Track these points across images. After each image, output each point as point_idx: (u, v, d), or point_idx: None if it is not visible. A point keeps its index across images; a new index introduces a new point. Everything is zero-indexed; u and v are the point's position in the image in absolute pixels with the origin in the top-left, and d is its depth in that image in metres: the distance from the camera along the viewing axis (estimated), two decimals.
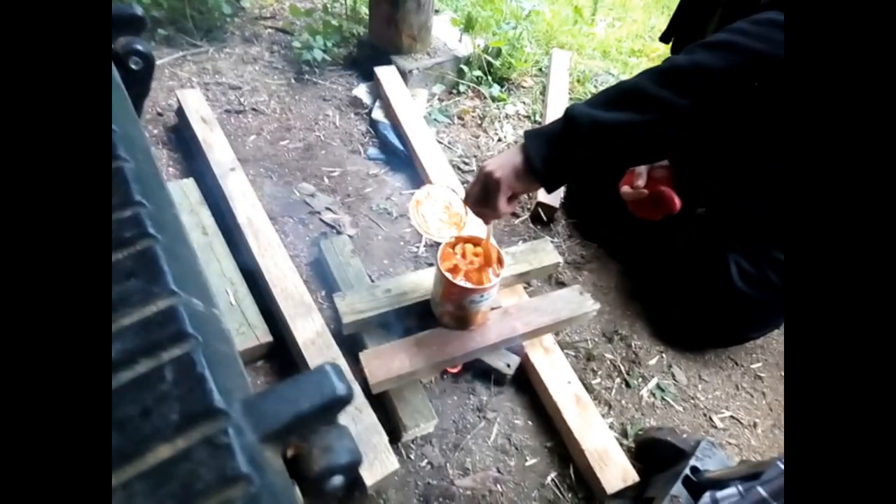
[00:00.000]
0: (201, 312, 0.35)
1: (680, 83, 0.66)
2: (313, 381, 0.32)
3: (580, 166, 0.73)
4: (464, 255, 0.91)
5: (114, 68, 0.55)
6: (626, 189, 1.04)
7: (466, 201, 0.83)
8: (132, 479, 0.27)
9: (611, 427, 0.98)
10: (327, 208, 1.26)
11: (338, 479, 0.33)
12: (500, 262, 0.90)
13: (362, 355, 0.90)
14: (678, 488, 0.77)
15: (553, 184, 0.75)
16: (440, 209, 0.94)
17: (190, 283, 0.36)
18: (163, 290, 0.34)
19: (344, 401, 0.33)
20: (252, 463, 0.28)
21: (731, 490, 0.67)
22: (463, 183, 1.35)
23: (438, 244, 0.91)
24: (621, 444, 0.94)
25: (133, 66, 0.57)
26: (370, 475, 0.78)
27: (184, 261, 0.38)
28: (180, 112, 1.29)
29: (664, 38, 1.19)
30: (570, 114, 0.71)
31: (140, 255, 0.36)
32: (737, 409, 1.08)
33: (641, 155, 0.75)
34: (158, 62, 1.52)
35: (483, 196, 0.79)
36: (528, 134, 0.75)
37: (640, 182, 1.03)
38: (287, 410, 0.31)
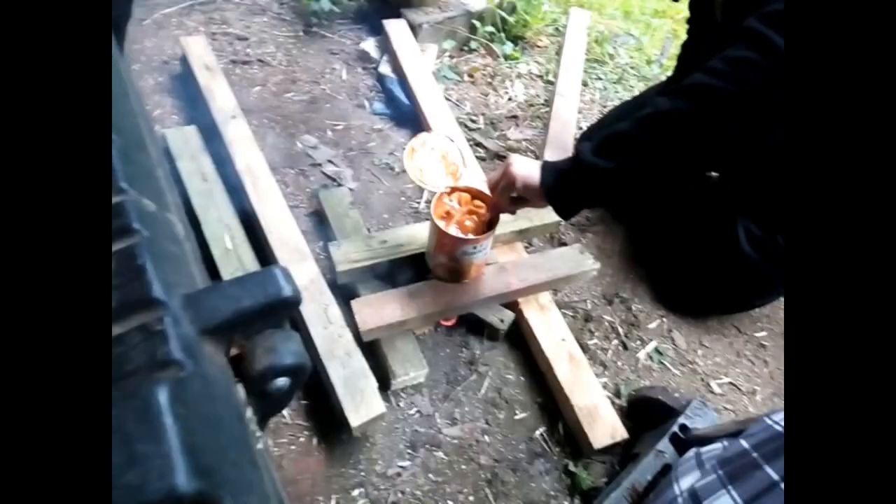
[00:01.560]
0: (151, 212, 0.34)
1: (665, 130, 0.71)
2: (258, 281, 0.32)
3: (581, 199, 0.80)
4: (459, 205, 0.90)
5: None
6: None
7: (499, 208, 0.88)
8: None
9: (604, 387, 0.97)
10: (329, 161, 1.24)
11: (282, 381, 0.32)
12: (496, 214, 0.88)
13: (354, 303, 0.90)
14: (664, 444, 0.76)
15: (566, 214, 0.82)
16: (436, 158, 0.92)
17: (143, 184, 0.36)
18: (112, 186, 0.33)
19: (289, 302, 0.32)
20: (186, 351, 0.27)
21: (716, 445, 0.66)
22: (469, 140, 1.32)
23: (434, 194, 0.89)
24: (613, 404, 0.93)
25: None
26: (356, 417, 0.79)
27: (138, 164, 0.37)
28: (184, 60, 1.28)
29: None
30: (577, 154, 0.78)
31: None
32: (736, 377, 1.06)
33: (631, 193, 0.79)
34: (165, 10, 1.51)
35: (512, 201, 0.85)
36: (544, 165, 0.81)
37: None
38: (228, 306, 0.30)
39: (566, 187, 0.79)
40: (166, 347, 0.27)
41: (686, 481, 0.60)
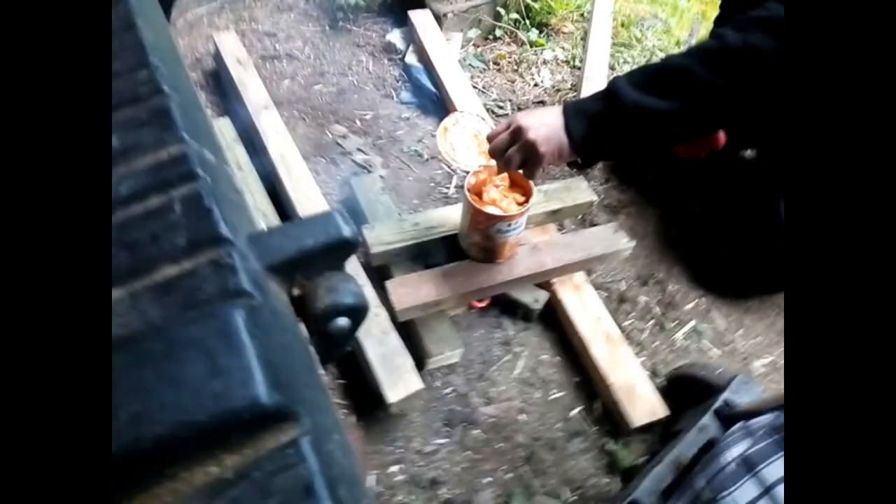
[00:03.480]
0: (212, 162, 0.35)
1: (732, 68, 0.60)
2: (320, 223, 0.32)
3: (620, 147, 0.70)
4: (492, 183, 0.89)
5: None
6: None
7: (506, 167, 0.79)
8: (140, 290, 0.28)
9: (642, 367, 0.96)
10: (359, 149, 1.26)
11: (342, 321, 0.33)
12: (528, 192, 0.88)
13: (389, 283, 0.90)
14: (708, 418, 0.74)
15: (591, 162, 0.73)
16: (468, 137, 0.92)
17: (202, 138, 0.37)
18: (174, 137, 0.34)
19: (350, 243, 0.32)
20: (254, 283, 0.28)
21: (765, 416, 0.64)
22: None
23: (466, 174, 0.89)
24: (652, 384, 0.91)
25: None
26: (393, 393, 0.80)
27: (196, 120, 0.39)
28: (217, 56, 1.31)
29: None
30: (613, 92, 0.66)
31: (153, 108, 0.36)
32: (779, 356, 1.03)
33: (684, 139, 0.71)
34: (196, 11, 1.55)
35: (523, 163, 0.75)
36: (568, 110, 0.70)
37: None
38: (292, 245, 0.31)
39: (601, 133, 0.68)
40: (236, 278, 0.28)
41: (736, 450, 0.59)
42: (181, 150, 0.34)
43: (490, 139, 0.78)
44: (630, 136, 0.67)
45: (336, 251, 0.32)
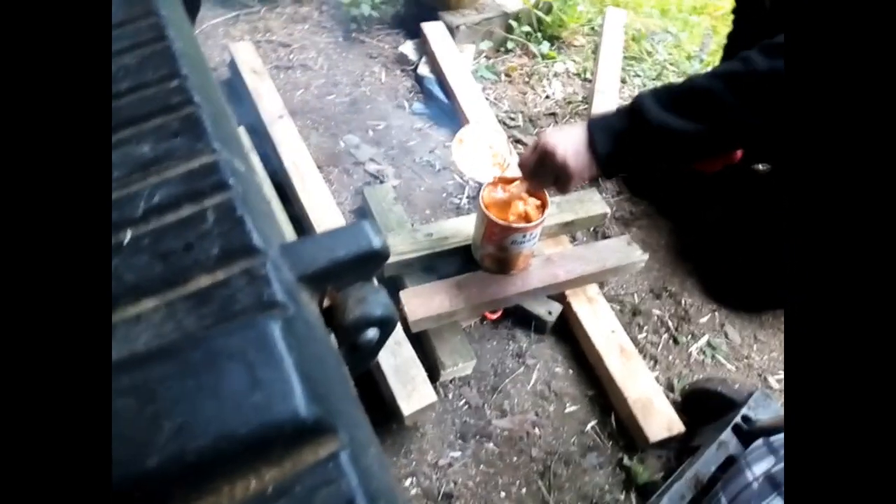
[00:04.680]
0: (242, 172, 0.35)
1: (759, 93, 0.61)
2: (351, 233, 0.32)
3: (643, 163, 0.71)
4: (507, 194, 0.89)
5: None
6: None
7: (538, 188, 0.83)
8: (175, 300, 0.28)
9: (656, 381, 0.95)
10: (371, 159, 1.26)
11: (372, 332, 0.32)
12: (544, 203, 0.88)
13: (402, 294, 0.90)
14: (727, 435, 0.73)
15: (612, 175, 0.75)
16: (484, 149, 0.92)
17: (232, 148, 0.37)
18: (206, 147, 0.35)
19: (380, 254, 0.32)
20: (288, 294, 0.28)
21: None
22: (509, 138, 1.32)
23: (481, 185, 0.89)
24: (667, 398, 0.90)
25: None
26: (407, 405, 0.79)
27: (226, 130, 0.39)
28: (232, 65, 1.33)
29: None
30: (638, 110, 0.67)
31: (185, 118, 0.36)
32: None
33: (707, 157, 0.72)
34: (212, 21, 1.57)
35: (555, 182, 0.77)
36: (593, 126, 0.71)
37: None
38: (324, 255, 0.31)
39: (626, 150, 0.69)
40: (271, 289, 0.28)
41: (760, 467, 0.57)
42: (213, 160, 0.34)
43: (521, 165, 0.80)
44: (654, 153, 0.68)
45: (366, 262, 0.32)
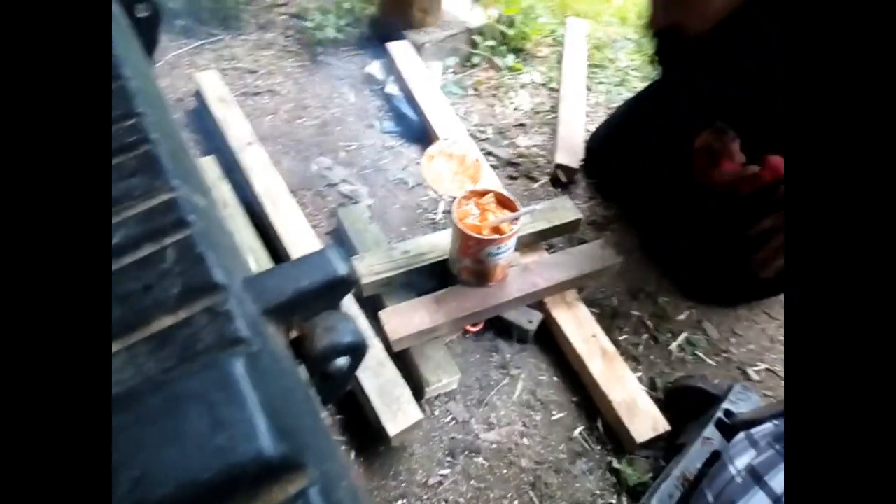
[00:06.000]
0: (202, 207, 0.35)
1: None
2: (315, 261, 0.32)
3: None
4: (479, 207, 0.90)
5: (123, 16, 0.56)
6: (730, 172, 0.99)
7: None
8: (135, 343, 0.27)
9: (639, 381, 0.96)
10: (344, 180, 1.26)
11: (342, 360, 0.32)
12: (515, 212, 0.89)
13: (382, 313, 0.90)
14: (711, 430, 0.74)
15: None
16: (455, 164, 0.93)
17: (191, 182, 0.37)
18: (164, 184, 0.34)
19: (346, 281, 0.32)
20: (252, 329, 0.28)
21: (766, 425, 0.64)
22: (480, 150, 1.34)
23: (453, 199, 0.90)
24: (650, 397, 0.91)
25: (140, 14, 0.58)
26: (393, 426, 0.78)
27: (185, 165, 0.39)
28: (199, 95, 1.32)
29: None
30: None
31: (142, 156, 0.36)
32: (773, 362, 1.04)
33: None
34: (177, 52, 1.56)
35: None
36: None
37: (739, 158, 0.98)
38: (288, 286, 0.31)
39: None
40: (233, 326, 0.28)
41: (742, 461, 0.58)
42: (171, 198, 0.34)
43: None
44: None
45: (332, 290, 0.32)
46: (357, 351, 0.32)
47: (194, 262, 0.30)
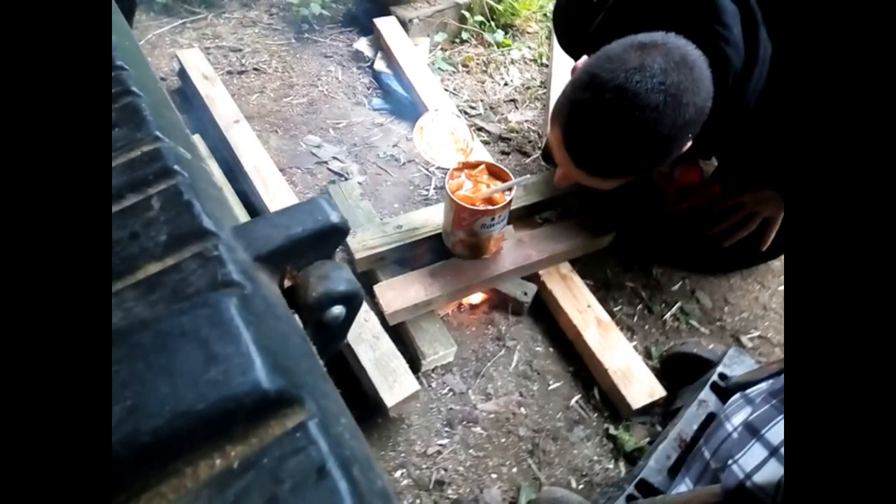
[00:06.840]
0: (188, 159, 0.34)
1: None
2: (306, 210, 0.31)
3: None
4: (472, 179, 0.89)
5: None
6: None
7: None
8: (122, 289, 0.26)
9: (634, 350, 0.96)
10: (334, 158, 1.25)
11: (337, 310, 0.32)
12: (508, 183, 0.88)
13: (377, 287, 0.89)
14: (706, 393, 0.75)
15: None
16: (445, 135, 0.92)
17: (176, 136, 0.35)
18: (147, 135, 0.33)
19: (338, 229, 0.31)
20: (244, 273, 0.27)
21: (761, 385, 0.65)
22: (470, 126, 1.32)
23: (445, 171, 0.89)
24: (646, 365, 0.91)
25: None
26: (390, 397, 0.78)
27: (168, 119, 0.37)
28: (182, 73, 1.29)
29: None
30: None
31: (123, 107, 0.35)
32: (766, 329, 1.05)
33: None
34: (158, 31, 1.52)
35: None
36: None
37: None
38: (280, 234, 0.30)
39: None
40: (225, 269, 0.27)
41: (738, 418, 0.59)
42: (155, 148, 0.33)
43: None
44: None
45: (325, 238, 0.31)
46: (352, 300, 0.32)
47: (181, 210, 0.29)
